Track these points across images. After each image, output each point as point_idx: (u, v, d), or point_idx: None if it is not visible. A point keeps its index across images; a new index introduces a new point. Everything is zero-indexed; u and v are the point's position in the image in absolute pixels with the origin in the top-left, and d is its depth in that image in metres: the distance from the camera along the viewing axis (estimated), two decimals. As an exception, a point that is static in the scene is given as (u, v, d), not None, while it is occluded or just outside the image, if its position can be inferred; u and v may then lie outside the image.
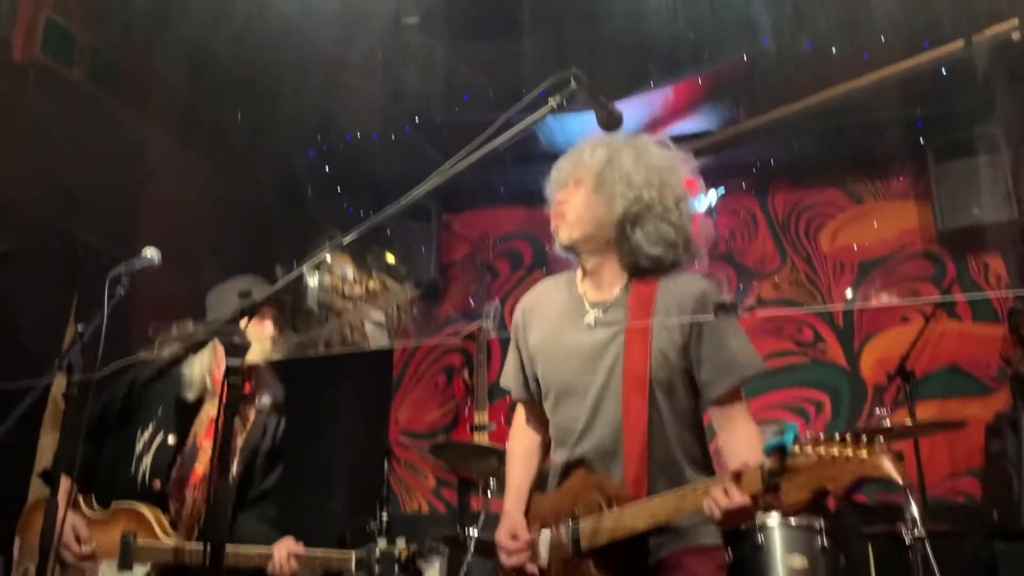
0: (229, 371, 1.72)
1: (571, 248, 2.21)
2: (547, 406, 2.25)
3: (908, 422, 3.84)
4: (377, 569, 2.66)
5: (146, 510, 2.75)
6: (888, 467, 1.47)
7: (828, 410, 5.19)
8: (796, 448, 1.56)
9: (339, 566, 2.73)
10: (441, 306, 6.01)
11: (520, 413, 2.41)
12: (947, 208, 4.99)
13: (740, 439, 2.04)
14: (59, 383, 2.62)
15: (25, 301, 3.62)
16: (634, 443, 2.02)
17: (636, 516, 1.91)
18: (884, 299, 5.24)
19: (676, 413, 2.09)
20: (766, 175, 5.60)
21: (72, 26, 3.93)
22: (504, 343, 5.88)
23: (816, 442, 1.54)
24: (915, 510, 3.43)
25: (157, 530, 2.73)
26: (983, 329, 5.05)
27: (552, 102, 1.91)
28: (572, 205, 2.17)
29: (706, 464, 2.14)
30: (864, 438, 1.50)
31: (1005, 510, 4.14)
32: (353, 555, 2.68)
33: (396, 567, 2.67)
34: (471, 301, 5.90)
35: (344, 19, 4.17)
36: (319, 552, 2.72)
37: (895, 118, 4.96)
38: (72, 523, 2.69)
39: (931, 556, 3.35)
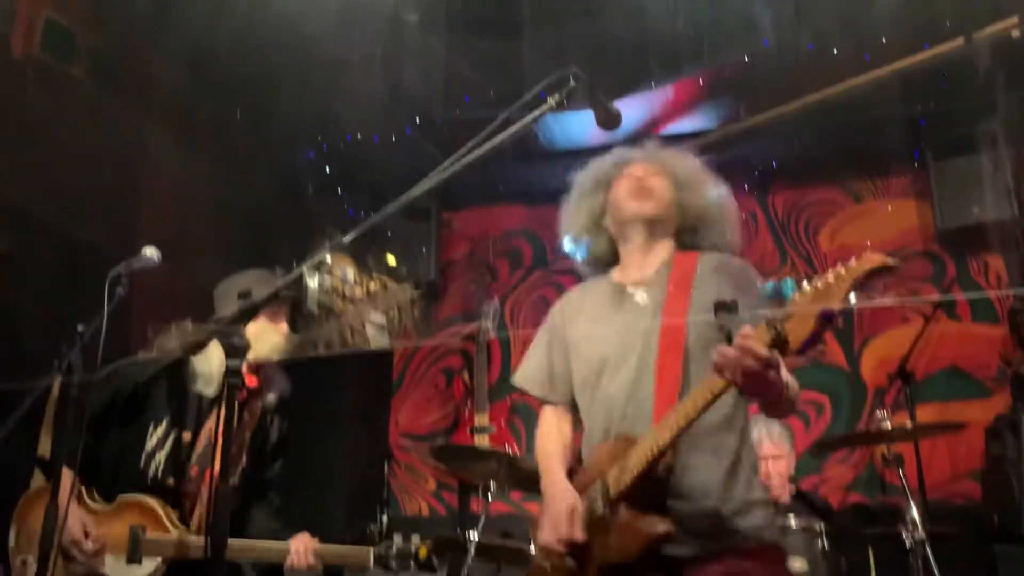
0: (229, 372, 1.71)
1: (651, 220, 2.27)
2: (586, 394, 2.22)
3: (908, 424, 3.82)
4: (394, 565, 2.67)
5: (154, 504, 2.71)
6: (875, 256, 1.56)
7: (828, 412, 5.17)
8: (795, 295, 1.60)
9: (356, 562, 2.74)
10: (441, 306, 6.00)
11: (548, 417, 2.36)
12: (947, 207, 4.97)
13: None
14: (59, 385, 2.61)
15: (25, 301, 3.61)
16: (665, 397, 2.01)
17: (663, 428, 1.86)
18: (884, 299, 5.22)
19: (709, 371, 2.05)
20: (766, 174, 5.58)
21: (72, 24, 3.93)
22: (504, 344, 5.88)
23: (808, 282, 1.61)
24: (915, 512, 3.42)
25: (167, 524, 2.69)
26: (983, 329, 5.03)
27: (551, 100, 1.91)
28: (657, 186, 2.29)
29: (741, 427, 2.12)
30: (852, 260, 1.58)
31: (1005, 512, 4.13)
32: (371, 552, 2.69)
33: (413, 564, 2.68)
34: (471, 301, 5.88)
35: (344, 17, 4.17)
36: (337, 548, 2.73)
37: (895, 116, 4.95)
38: (80, 518, 2.64)
39: (931, 558, 3.35)
